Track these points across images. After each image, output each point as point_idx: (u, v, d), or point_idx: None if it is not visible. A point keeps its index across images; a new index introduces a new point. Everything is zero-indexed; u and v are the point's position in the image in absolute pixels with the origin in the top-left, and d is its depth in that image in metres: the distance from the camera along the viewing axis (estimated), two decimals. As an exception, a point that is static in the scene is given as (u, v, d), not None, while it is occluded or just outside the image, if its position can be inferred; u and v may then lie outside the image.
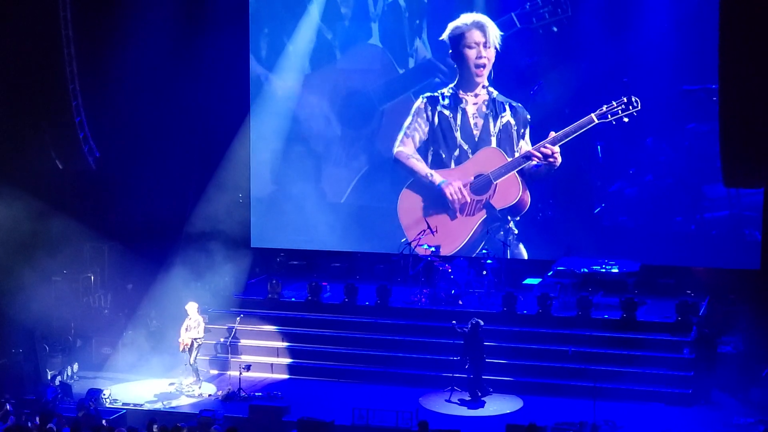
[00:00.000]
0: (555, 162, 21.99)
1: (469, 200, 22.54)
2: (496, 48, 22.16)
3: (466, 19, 22.24)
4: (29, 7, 18.64)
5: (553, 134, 21.88)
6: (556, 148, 21.85)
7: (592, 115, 21.51)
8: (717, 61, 16.70)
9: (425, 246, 21.30)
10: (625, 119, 21.33)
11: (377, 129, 23.19)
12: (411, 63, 22.95)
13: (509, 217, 22.47)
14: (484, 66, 22.29)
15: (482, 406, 18.38)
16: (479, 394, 18.53)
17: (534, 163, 22.04)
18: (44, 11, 18.68)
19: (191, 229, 22.33)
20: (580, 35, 21.95)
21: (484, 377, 18.59)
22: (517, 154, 22.25)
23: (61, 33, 18.79)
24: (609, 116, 21.42)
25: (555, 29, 22.02)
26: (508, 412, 18.16)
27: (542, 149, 21.90)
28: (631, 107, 21.27)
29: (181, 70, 22.19)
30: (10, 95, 18.95)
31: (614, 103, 21.36)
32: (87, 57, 19.59)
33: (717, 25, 16.59)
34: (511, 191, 22.37)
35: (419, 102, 22.86)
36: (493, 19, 22.21)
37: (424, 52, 22.84)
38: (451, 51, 22.45)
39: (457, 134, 22.63)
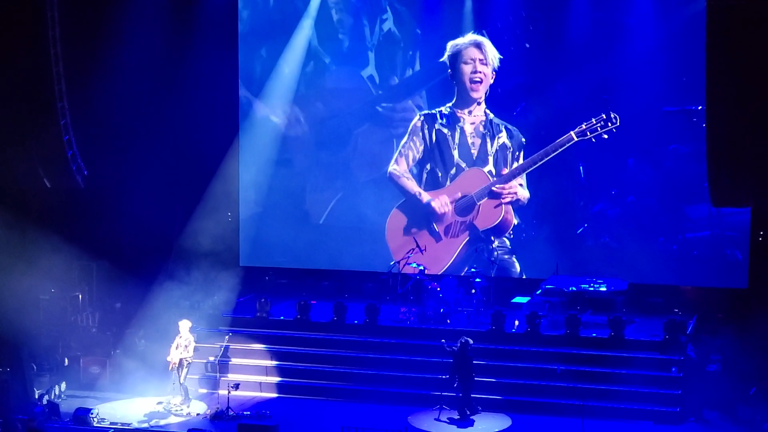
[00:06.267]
0: (515, 198, 22.20)
1: (452, 219, 22.63)
2: (493, 68, 22.27)
3: (464, 38, 22.37)
4: (17, 26, 18.58)
5: (505, 171, 22.10)
6: (513, 183, 22.03)
7: (572, 133, 21.60)
8: (698, 82, 16.94)
9: (414, 264, 21.33)
10: (605, 136, 21.38)
11: (353, 153, 23.23)
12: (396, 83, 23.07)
13: (492, 237, 22.57)
14: (480, 81, 22.34)
15: (471, 425, 18.37)
16: (468, 412, 18.52)
17: None
18: (32, 30, 18.61)
19: (180, 248, 22.36)
20: (563, 56, 22.07)
21: (472, 396, 18.60)
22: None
23: (50, 51, 18.68)
24: (588, 133, 21.47)
25: (527, 45, 22.12)
26: (497, 430, 18.18)
27: (494, 189, 22.13)
28: (610, 123, 21.26)
29: (171, 88, 22.27)
30: (-3, 115, 18.94)
31: (593, 120, 21.41)
32: (75, 75, 19.54)
33: (699, 46, 16.86)
34: (493, 212, 22.46)
35: (416, 120, 22.90)
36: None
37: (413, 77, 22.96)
38: (450, 71, 22.51)
39: (455, 152, 22.65)
